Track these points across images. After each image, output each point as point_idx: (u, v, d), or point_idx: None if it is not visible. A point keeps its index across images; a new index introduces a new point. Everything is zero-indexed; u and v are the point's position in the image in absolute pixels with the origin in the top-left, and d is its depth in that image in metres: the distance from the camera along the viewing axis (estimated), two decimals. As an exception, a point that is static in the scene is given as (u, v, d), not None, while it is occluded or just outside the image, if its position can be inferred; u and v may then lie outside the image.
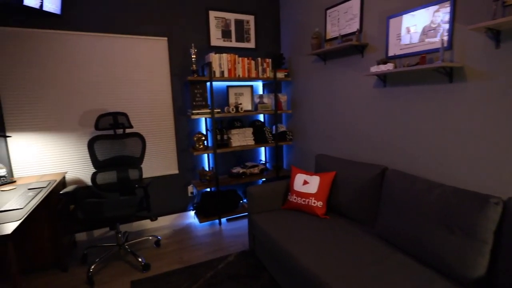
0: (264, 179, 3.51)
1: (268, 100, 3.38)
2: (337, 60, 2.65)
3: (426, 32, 1.86)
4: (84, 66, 2.75)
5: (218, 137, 3.13)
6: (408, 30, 1.97)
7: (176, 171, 3.24)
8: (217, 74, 2.99)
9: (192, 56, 2.93)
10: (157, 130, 3.10)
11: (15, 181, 2.44)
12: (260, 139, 3.35)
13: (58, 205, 2.40)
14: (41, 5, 2.39)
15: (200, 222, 3.08)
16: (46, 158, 2.71)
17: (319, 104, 2.96)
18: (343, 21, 2.52)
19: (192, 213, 3.37)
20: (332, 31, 2.66)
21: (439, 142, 1.86)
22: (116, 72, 2.86)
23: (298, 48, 3.22)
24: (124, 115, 2.64)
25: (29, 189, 2.19)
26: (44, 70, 2.62)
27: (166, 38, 3.01)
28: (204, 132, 3.32)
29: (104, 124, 2.60)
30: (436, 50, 1.81)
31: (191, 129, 3.26)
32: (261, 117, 3.63)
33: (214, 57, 2.95)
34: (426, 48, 1.87)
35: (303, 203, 2.24)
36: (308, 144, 3.21)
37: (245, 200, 3.60)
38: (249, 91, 3.40)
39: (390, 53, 2.11)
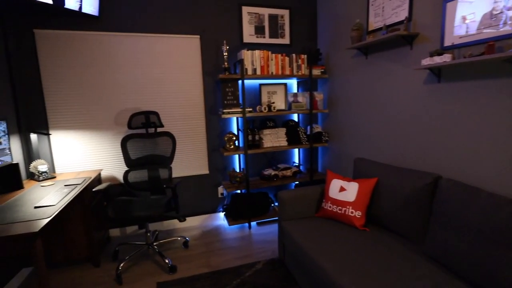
0: (297, 182, 3.31)
1: (302, 99, 3.19)
2: (381, 53, 2.38)
3: (495, 15, 1.54)
4: (120, 66, 2.79)
5: (250, 137, 3.01)
6: (466, 18, 1.66)
7: (207, 172, 3.18)
8: (249, 72, 2.87)
9: (224, 54, 2.84)
10: (188, 129, 3.07)
11: (54, 177, 2.54)
12: (293, 140, 3.17)
13: (92, 202, 2.46)
14: (80, 7, 2.47)
15: (230, 224, 2.99)
16: (83, 155, 2.81)
17: (359, 103, 2.69)
18: (388, 10, 2.25)
19: (221, 214, 3.30)
20: (376, 22, 2.39)
21: (509, 148, 1.53)
22: (150, 72, 2.88)
23: (336, 42, 2.98)
24: (155, 114, 2.63)
25: (65, 185, 2.25)
26: (83, 70, 2.71)
27: (198, 36, 2.96)
28: (235, 132, 3.22)
29: (137, 123, 2.62)
30: (508, 37, 1.49)
31: (222, 129, 3.19)
32: (295, 117, 3.45)
33: (246, 54, 2.83)
34: (494, 35, 1.55)
35: (339, 212, 2.03)
36: (346, 146, 2.95)
37: (276, 204, 3.44)
38: (283, 89, 3.24)
39: (447, 43, 1.81)
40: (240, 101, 3.06)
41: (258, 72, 2.90)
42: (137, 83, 2.86)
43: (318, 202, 2.28)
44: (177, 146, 3.05)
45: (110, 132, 2.85)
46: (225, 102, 2.93)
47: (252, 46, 3.13)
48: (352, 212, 1.97)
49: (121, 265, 2.34)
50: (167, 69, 2.92)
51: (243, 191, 3.24)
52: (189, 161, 3.12)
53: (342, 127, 2.99)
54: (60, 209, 1.75)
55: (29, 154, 2.60)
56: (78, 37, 2.66)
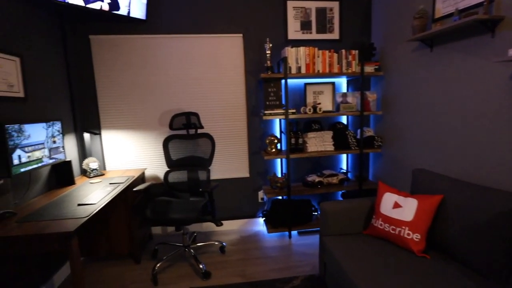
0: (343, 191, 3.02)
1: (352, 99, 2.88)
2: (451, 44, 1.98)
3: None
4: (164, 68, 2.84)
5: (293, 140, 2.82)
6: None
7: (247, 175, 3.07)
8: (293, 70, 2.68)
9: (267, 52, 2.70)
10: (229, 131, 3.00)
11: (103, 174, 2.67)
12: (341, 144, 2.88)
13: (135, 201, 2.52)
14: (129, 12, 2.55)
15: (269, 232, 2.83)
16: (130, 154, 2.92)
17: (421, 103, 2.31)
18: (463, -9, 1.86)
19: (261, 220, 3.16)
20: (444, 7, 2.00)
21: None
22: (193, 72, 2.87)
23: (393, 34, 2.62)
24: (196, 115, 2.61)
25: (110, 183, 2.34)
26: (131, 73, 2.81)
27: (241, 35, 2.86)
28: (278, 135, 3.05)
29: (178, 124, 2.62)
30: None
31: (264, 131, 3.05)
32: (343, 119, 3.15)
33: (290, 51, 2.64)
34: None
35: (393, 232, 1.72)
36: (403, 154, 2.57)
37: (319, 211, 3.17)
38: (330, 89, 2.97)
39: (547, 26, 1.39)
40: (283, 102, 2.88)
41: (303, 70, 2.69)
42: (181, 84, 2.88)
43: (366, 218, 1.99)
44: (217, 148, 3.00)
45: (154, 133, 2.92)
46: (267, 102, 2.79)
47: (297, 43, 2.93)
48: (408, 234, 1.65)
49: (158, 265, 2.35)
50: (210, 69, 2.89)
51: (284, 197, 3.06)
52: (230, 164, 3.04)
53: (399, 131, 2.61)
54: (99, 208, 1.78)
55: (83, 152, 2.79)
56: (127, 41, 2.76)
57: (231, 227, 3.12)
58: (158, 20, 2.77)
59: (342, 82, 3.08)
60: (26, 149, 1.86)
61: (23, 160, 1.83)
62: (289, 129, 2.73)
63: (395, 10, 2.58)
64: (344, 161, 3.21)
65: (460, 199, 1.57)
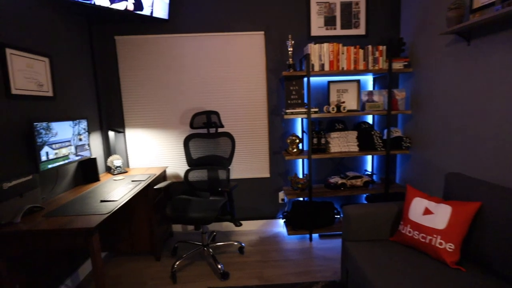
0: (368, 194, 2.88)
1: (379, 98, 2.74)
2: (492, 36, 1.81)
3: None
4: (186, 67, 2.85)
5: (315, 140, 2.73)
6: None
7: (268, 175, 3.02)
8: (316, 68, 2.59)
9: (289, 49, 2.62)
10: (250, 130, 2.96)
11: (126, 172, 2.73)
12: (366, 145, 2.75)
13: (156, 198, 2.55)
14: (152, 12, 2.58)
15: (289, 234, 2.76)
16: (152, 152, 2.97)
17: (456, 102, 2.14)
18: (506, -22, 1.68)
19: (281, 221, 3.09)
20: (485, -4, 1.83)
21: None
22: (214, 71, 2.86)
23: (425, 28, 2.45)
24: (216, 114, 2.59)
25: (132, 180, 2.38)
26: (154, 72, 2.85)
27: (263, 32, 2.81)
28: (299, 135, 2.97)
29: (198, 122, 2.62)
30: None
31: (285, 131, 2.98)
32: (369, 119, 3.00)
33: (313, 48, 2.55)
34: None
35: (423, 240, 1.60)
36: (434, 156, 2.40)
37: (342, 215, 3.05)
38: (355, 87, 2.84)
39: None
40: (305, 101, 2.80)
41: (327, 68, 2.59)
42: (202, 83, 2.88)
43: (393, 223, 1.87)
44: (238, 147, 2.98)
45: (176, 131, 2.94)
46: (289, 101, 2.72)
47: (321, 40, 2.83)
48: (441, 244, 1.52)
49: (177, 263, 2.36)
50: (231, 68, 2.86)
51: (305, 199, 2.97)
52: (250, 163, 3.01)
53: (430, 132, 2.44)
54: (120, 205, 1.81)
55: (108, 150, 2.87)
56: (150, 41, 2.80)
57: (251, 227, 3.08)
58: (180, 19, 2.78)
59: (368, 80, 2.93)
60: (53, 146, 1.93)
61: (51, 156, 1.90)
62: (311, 129, 2.64)
63: (427, 2, 2.41)
64: (369, 162, 3.07)
65: (501, 207, 1.42)
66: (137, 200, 2.49)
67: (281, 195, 3.05)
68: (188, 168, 2.67)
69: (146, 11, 2.53)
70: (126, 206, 2.51)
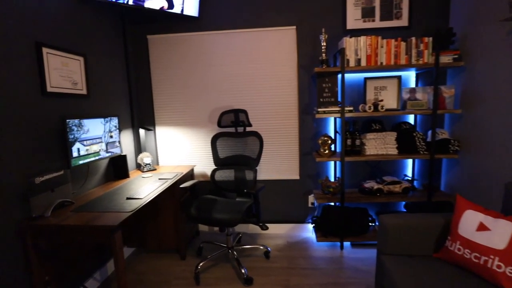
0: (407, 201, 2.62)
1: (423, 95, 2.47)
2: None
3: None
4: (216, 64, 2.81)
5: (348, 141, 2.53)
6: None
7: (297, 177, 2.88)
8: (352, 63, 2.39)
9: (322, 44, 2.46)
10: (279, 129, 2.84)
11: (155, 169, 2.76)
12: (406, 147, 2.49)
13: (182, 197, 2.54)
14: (182, 10, 2.57)
15: (318, 240, 2.60)
16: (181, 150, 2.97)
17: (519, 100, 1.83)
18: None
19: (310, 226, 2.93)
20: (562, -27, 1.53)
21: None
22: (243, 68, 2.79)
23: (481, 15, 2.14)
24: (244, 112, 2.51)
25: (159, 178, 2.39)
26: (184, 70, 2.85)
27: (294, 27, 2.68)
28: (332, 135, 2.79)
29: (226, 121, 2.56)
30: None
31: (317, 131, 2.81)
32: (410, 119, 2.73)
33: (348, 42, 2.37)
34: None
35: (476, 260, 1.37)
36: (491, 161, 2.09)
37: (378, 224, 2.81)
38: (395, 83, 2.59)
39: None
40: (339, 99, 2.61)
41: (363, 63, 2.39)
42: (231, 80, 2.82)
43: (438, 238, 1.64)
44: (266, 147, 2.87)
45: (204, 130, 2.92)
46: (321, 99, 2.55)
47: (357, 33, 2.62)
48: (499, 266, 1.29)
49: (201, 264, 2.32)
50: (260, 64, 2.77)
51: (337, 204, 2.78)
52: (279, 164, 2.89)
53: (485, 134, 2.14)
54: (144, 203, 1.79)
55: (139, 147, 2.92)
56: (180, 39, 2.80)
57: (278, 231, 2.96)
58: (210, 16, 2.75)
59: (410, 76, 2.67)
60: (84, 142, 1.97)
61: (82, 153, 1.94)
62: (344, 129, 2.45)
63: (484, -14, 2.11)
64: (409, 167, 2.79)
65: None
66: (164, 198, 2.49)
67: (311, 198, 2.89)
68: (215, 167, 2.62)
69: (177, 9, 2.53)
70: (152, 204, 2.52)
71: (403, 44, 2.35)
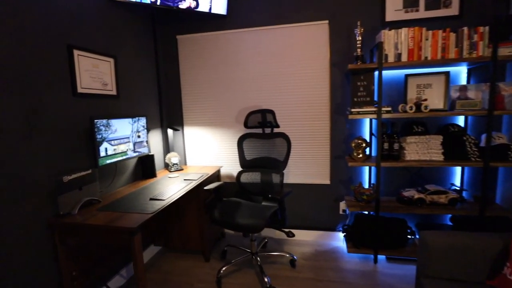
0: (454, 214, 2.32)
1: (476, 94, 2.16)
2: None
3: None
4: (244, 63, 2.73)
5: (385, 145, 2.31)
6: None
7: (327, 182, 2.70)
8: (391, 59, 2.17)
9: (357, 39, 2.26)
10: (309, 131, 2.68)
11: (182, 169, 2.76)
12: (454, 153, 2.20)
13: (207, 199, 2.50)
14: (210, 8, 2.52)
15: (349, 251, 2.41)
16: (208, 151, 2.95)
17: None
18: None
19: (341, 235, 2.74)
20: None
21: None
22: (272, 67, 2.68)
23: (555, -1, 1.80)
24: (272, 112, 2.40)
25: (184, 179, 2.37)
26: (212, 70, 2.81)
27: (327, 21, 2.50)
28: (367, 138, 2.57)
29: (253, 122, 2.47)
30: None
31: (350, 133, 2.61)
32: (459, 121, 2.41)
33: (387, 35, 2.14)
34: None
35: (543, 296, 1.12)
36: (562, 172, 1.75)
37: (417, 237, 2.54)
38: (442, 80, 2.30)
39: None
40: (375, 98, 2.39)
41: (404, 58, 2.15)
42: (259, 79, 2.72)
43: (494, 262, 1.39)
44: (295, 149, 2.73)
45: (231, 130, 2.86)
46: (355, 99, 2.36)
47: (398, 25, 2.37)
48: None
49: (224, 268, 2.26)
50: (290, 62, 2.63)
51: (371, 213, 2.56)
52: (308, 168, 2.73)
53: (556, 140, 1.79)
54: (167, 205, 1.77)
55: (167, 147, 2.95)
56: (208, 38, 2.77)
57: (306, 237, 2.81)
58: (238, 14, 2.68)
59: (460, 72, 2.35)
60: (112, 142, 2.01)
61: (109, 152, 1.98)
62: (381, 131, 2.23)
63: (558, -37, 1.77)
64: (457, 175, 2.47)
65: None
66: (189, 199, 2.47)
67: (342, 205, 2.69)
68: (241, 169, 2.55)
69: (204, 8, 2.49)
70: (177, 204, 2.52)
71: (452, 35, 2.07)
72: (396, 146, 2.29)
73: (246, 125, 2.46)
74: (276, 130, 2.73)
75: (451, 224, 2.45)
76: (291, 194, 2.81)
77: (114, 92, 2.20)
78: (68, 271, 1.71)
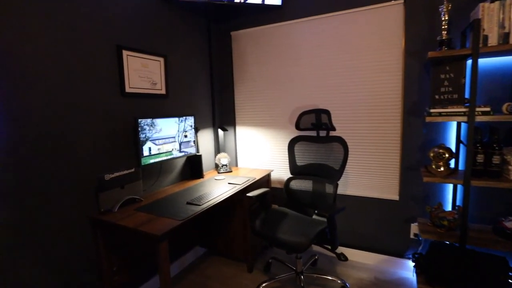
0: None
1: None
2: None
3: None
4: (300, 58, 2.46)
5: (479, 157, 1.74)
6: None
7: (396, 197, 2.23)
8: (492, 41, 1.60)
9: (442, 18, 1.75)
10: (374, 135, 2.26)
11: (231, 171, 2.65)
12: None
13: (252, 205, 2.33)
14: (263, 0, 2.33)
15: (419, 286, 1.92)
16: (259, 153, 2.78)
17: None
18: None
19: (410, 264, 2.23)
20: None
21: None
22: (332, 60, 2.34)
23: None
24: (327, 113, 2.08)
25: (229, 183, 2.25)
26: (266, 66, 2.62)
27: (402, 1, 2.03)
28: (452, 147, 2.01)
29: (306, 123, 2.19)
30: None
31: (427, 139, 2.09)
32: None
33: (486, 9, 1.59)
34: None
35: None
36: None
37: (528, 284, 1.86)
38: None
39: None
40: (467, 95, 1.83)
41: (514, 40, 1.56)
42: (316, 75, 2.41)
43: None
44: (356, 156, 2.34)
45: (284, 132, 2.63)
46: (437, 96, 1.85)
47: (506, -4, 1.76)
48: None
49: (264, 284, 2.06)
50: (353, 54, 2.25)
51: (454, 244, 1.99)
52: (370, 179, 2.31)
53: None
54: (200, 212, 1.66)
55: (218, 147, 2.89)
56: (263, 32, 2.59)
57: (365, 260, 2.38)
58: (294, 3, 2.41)
59: None
60: (156, 142, 2.01)
61: (153, 152, 1.98)
62: (473, 138, 1.69)
63: None
64: None
65: None
66: (233, 204, 2.34)
67: (414, 228, 2.18)
68: (290, 176, 2.30)
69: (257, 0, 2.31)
70: (225, 207, 2.41)
71: None
72: (496, 159, 1.70)
73: (297, 126, 2.20)
74: (332, 133, 2.38)
75: None
76: (348, 208, 2.43)
77: (163, 92, 2.21)
78: (108, 266, 1.76)
